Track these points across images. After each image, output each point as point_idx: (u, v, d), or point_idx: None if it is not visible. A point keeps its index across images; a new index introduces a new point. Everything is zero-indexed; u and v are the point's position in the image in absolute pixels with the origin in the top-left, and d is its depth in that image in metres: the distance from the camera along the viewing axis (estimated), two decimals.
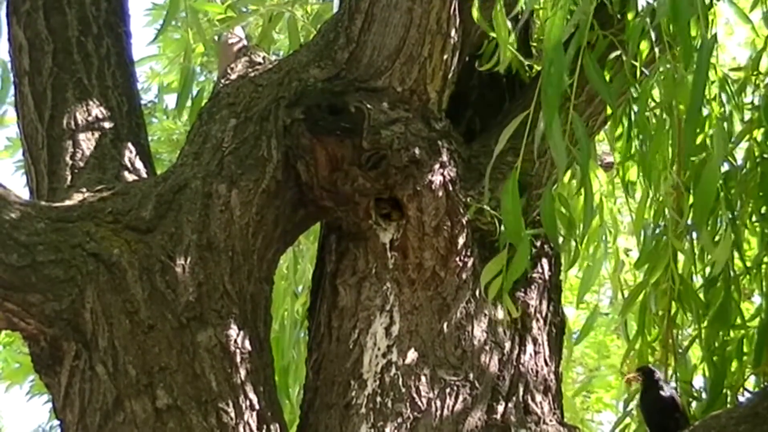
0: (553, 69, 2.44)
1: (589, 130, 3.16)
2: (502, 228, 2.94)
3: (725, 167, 2.95)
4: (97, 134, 3.18)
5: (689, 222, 2.99)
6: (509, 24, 2.94)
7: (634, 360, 3.28)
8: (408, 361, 2.92)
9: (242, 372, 2.76)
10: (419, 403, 2.87)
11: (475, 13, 3.00)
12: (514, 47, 3.09)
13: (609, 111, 3.11)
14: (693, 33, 2.66)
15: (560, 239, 2.85)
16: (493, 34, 2.99)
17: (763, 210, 2.93)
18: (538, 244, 3.14)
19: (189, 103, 3.85)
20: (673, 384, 2.98)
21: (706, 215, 2.76)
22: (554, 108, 2.45)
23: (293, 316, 3.87)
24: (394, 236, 3.00)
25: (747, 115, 3.01)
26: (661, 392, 2.85)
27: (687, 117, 2.71)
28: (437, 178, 2.97)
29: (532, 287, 3.14)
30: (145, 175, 3.19)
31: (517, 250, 2.72)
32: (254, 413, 2.76)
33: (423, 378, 2.90)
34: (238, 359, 2.76)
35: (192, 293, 2.79)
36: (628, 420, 3.17)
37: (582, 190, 2.78)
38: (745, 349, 3.01)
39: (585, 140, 2.51)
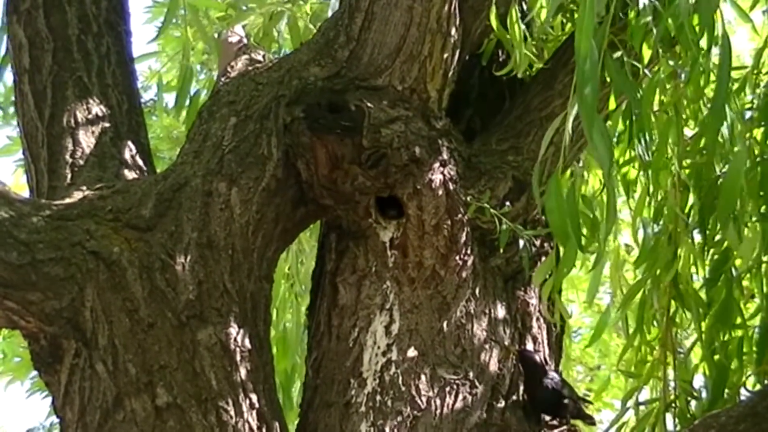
0: (588, 69, 2.40)
1: None
2: (503, 227, 2.97)
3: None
4: (97, 132, 3.18)
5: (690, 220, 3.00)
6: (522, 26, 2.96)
7: (632, 358, 3.26)
8: (408, 359, 2.92)
9: (242, 370, 2.77)
10: (419, 401, 2.88)
11: (493, 22, 3.01)
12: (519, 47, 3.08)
13: (610, 108, 3.10)
14: (697, 31, 2.67)
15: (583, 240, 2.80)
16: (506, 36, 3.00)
17: (763, 209, 2.91)
18: (538, 243, 3.15)
19: (188, 101, 3.87)
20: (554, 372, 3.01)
21: (730, 211, 2.75)
22: (593, 110, 2.44)
23: (298, 316, 3.89)
24: (394, 235, 3.01)
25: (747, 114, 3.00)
26: (545, 379, 2.89)
27: (710, 112, 2.70)
28: (437, 177, 2.97)
29: (532, 286, 3.14)
30: (145, 174, 3.19)
31: (564, 250, 2.68)
32: (254, 411, 2.76)
33: (423, 377, 2.90)
34: (238, 357, 2.77)
35: (192, 291, 2.79)
36: (626, 418, 3.17)
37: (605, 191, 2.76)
38: (745, 349, 3.00)
39: (608, 141, 2.50)
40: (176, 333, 2.75)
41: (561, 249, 2.69)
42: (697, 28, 2.66)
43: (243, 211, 2.91)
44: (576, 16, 2.74)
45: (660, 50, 2.85)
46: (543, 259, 3.15)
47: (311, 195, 3.02)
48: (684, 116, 2.99)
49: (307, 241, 3.97)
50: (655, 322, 3.12)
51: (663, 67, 2.85)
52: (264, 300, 2.95)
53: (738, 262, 2.99)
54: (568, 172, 3.01)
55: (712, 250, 3.01)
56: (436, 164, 2.99)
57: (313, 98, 3.00)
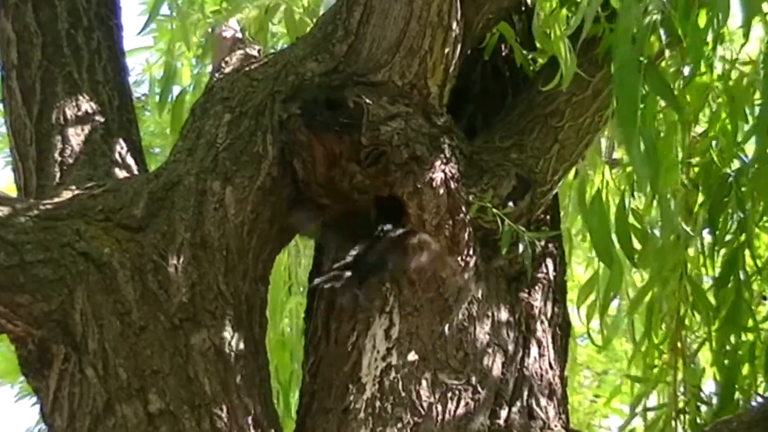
0: (627, 78, 2.43)
1: (595, 126, 3.16)
2: (505, 227, 2.96)
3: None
4: (87, 130, 3.16)
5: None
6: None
7: (640, 362, 3.29)
8: (408, 364, 2.91)
9: (237, 376, 2.74)
10: (420, 407, 2.86)
11: (535, 29, 3.02)
12: (518, 40, 3.09)
13: (614, 105, 3.03)
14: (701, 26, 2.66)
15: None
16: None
17: None
18: (542, 243, 3.14)
19: (171, 98, 3.86)
20: None
21: None
22: (633, 123, 2.45)
23: (297, 320, 3.90)
24: None
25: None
26: None
27: (761, 111, 2.71)
28: (438, 175, 2.95)
29: (536, 288, 3.14)
30: (136, 172, 3.15)
31: (610, 269, 2.75)
32: (249, 418, 2.73)
33: (424, 382, 2.88)
34: (233, 362, 2.74)
35: (185, 294, 2.77)
36: (635, 424, 3.21)
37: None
38: (756, 352, 3.02)
39: (653, 160, 2.49)
40: (169, 337, 2.73)
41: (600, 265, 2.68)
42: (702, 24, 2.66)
43: (238, 210, 2.90)
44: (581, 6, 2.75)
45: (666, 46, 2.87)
46: (548, 260, 3.15)
47: (308, 194, 3.00)
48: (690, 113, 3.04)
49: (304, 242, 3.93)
50: (663, 326, 3.14)
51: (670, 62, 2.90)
52: (260, 302, 2.93)
53: (748, 263, 3.00)
54: (573, 170, 3.00)
55: (722, 251, 3.03)
56: (438, 162, 2.96)
57: (310, 94, 2.97)
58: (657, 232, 3.14)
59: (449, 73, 3.03)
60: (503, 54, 3.38)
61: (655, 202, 3.08)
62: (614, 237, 3.03)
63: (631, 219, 2.97)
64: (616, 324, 3.39)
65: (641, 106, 2.53)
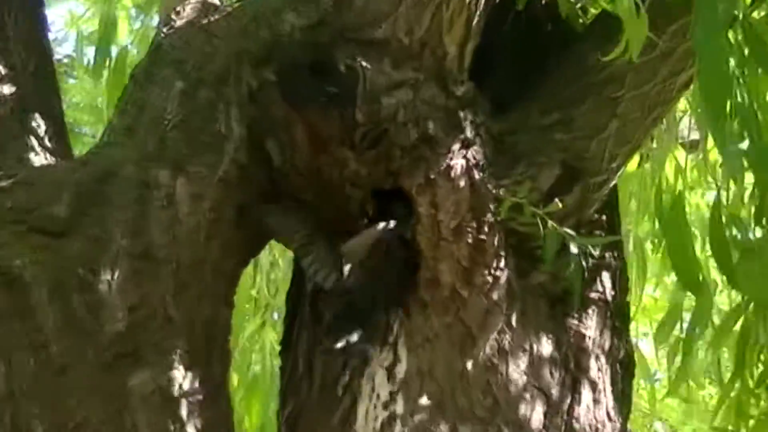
0: (712, 36, 2.44)
1: (667, 96, 3.17)
2: (547, 231, 2.96)
3: None
4: None
5: None
6: None
7: (730, 412, 3.31)
8: (419, 413, 2.92)
9: (190, 428, 2.77)
10: None
11: None
12: None
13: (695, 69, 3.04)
14: None
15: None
16: None
17: None
18: (597, 252, 3.13)
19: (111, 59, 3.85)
20: None
21: None
22: (722, 98, 2.47)
23: (270, 355, 3.95)
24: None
25: None
26: None
27: None
28: (458, 163, 2.96)
29: (590, 312, 3.15)
30: (59, 158, 3.17)
31: (695, 296, 2.74)
32: None
33: None
34: (184, 410, 2.77)
35: (121, 320, 2.80)
36: None
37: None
38: None
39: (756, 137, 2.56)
40: (100, 378, 2.75)
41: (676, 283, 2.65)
42: None
43: (192, 209, 2.93)
44: None
45: None
46: (604, 275, 3.18)
47: (286, 187, 3.03)
48: None
49: (281, 251, 3.96)
50: (760, 364, 3.18)
51: None
52: (221, 331, 2.97)
53: None
54: (637, 156, 3.02)
55: None
56: (456, 145, 2.97)
57: (289, 56, 2.98)
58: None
59: (472, 28, 3.02)
60: (543, 2, 3.35)
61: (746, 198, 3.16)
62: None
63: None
64: (694, 360, 3.38)
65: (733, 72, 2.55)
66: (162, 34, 3.17)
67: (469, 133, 3.01)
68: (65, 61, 4.79)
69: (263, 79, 3.00)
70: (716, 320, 3.32)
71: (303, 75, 2.95)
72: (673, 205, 2.78)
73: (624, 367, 3.20)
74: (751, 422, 3.23)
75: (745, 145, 2.59)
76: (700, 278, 2.73)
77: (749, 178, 2.93)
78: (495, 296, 3.02)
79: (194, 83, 3.05)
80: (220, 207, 2.96)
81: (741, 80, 2.66)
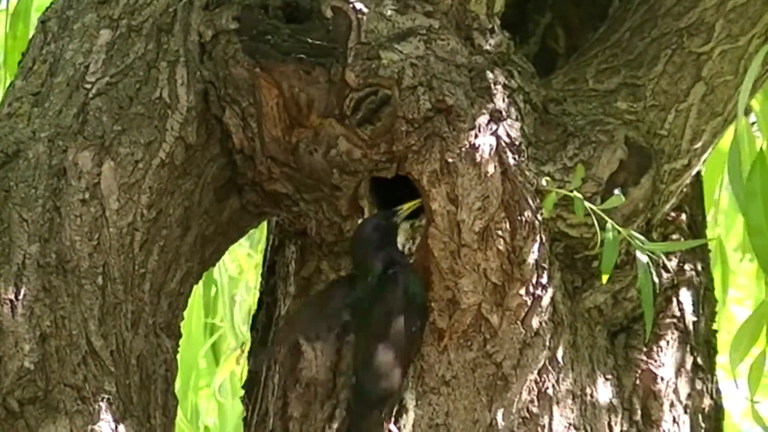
0: None
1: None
2: (608, 234, 2.69)
3: None
4: None
5: None
6: None
7: None
8: None
9: None
10: None
11: None
12: None
13: None
14: None
15: None
16: None
17: None
18: (674, 263, 2.96)
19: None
20: None
21: None
22: None
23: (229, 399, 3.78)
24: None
25: None
26: None
27: None
28: (485, 142, 2.69)
29: (663, 344, 2.96)
30: None
31: None
32: None
33: None
34: None
35: (29, 354, 2.60)
36: None
37: None
38: None
39: None
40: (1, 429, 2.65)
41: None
42: None
43: (124, 204, 2.72)
44: None
45: None
46: (683, 293, 2.99)
47: (252, 175, 2.84)
48: None
49: (246, 258, 3.71)
50: None
51: None
52: (164, 368, 2.78)
53: None
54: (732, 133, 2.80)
55: None
56: (484, 118, 2.70)
57: None
58: None
59: None
60: None
61: None
62: None
63: None
64: None
65: None
66: None
67: (500, 101, 2.77)
68: None
69: (220, 29, 2.79)
70: None
71: (274, 22, 2.77)
72: (752, 171, 2.58)
73: (709, 418, 3.02)
74: None
75: None
76: None
77: None
78: (535, 323, 2.79)
79: (125, 33, 2.85)
80: (162, 202, 2.77)
81: None
